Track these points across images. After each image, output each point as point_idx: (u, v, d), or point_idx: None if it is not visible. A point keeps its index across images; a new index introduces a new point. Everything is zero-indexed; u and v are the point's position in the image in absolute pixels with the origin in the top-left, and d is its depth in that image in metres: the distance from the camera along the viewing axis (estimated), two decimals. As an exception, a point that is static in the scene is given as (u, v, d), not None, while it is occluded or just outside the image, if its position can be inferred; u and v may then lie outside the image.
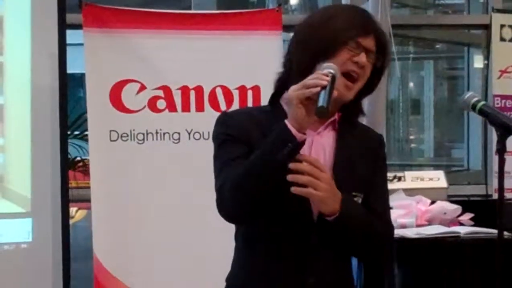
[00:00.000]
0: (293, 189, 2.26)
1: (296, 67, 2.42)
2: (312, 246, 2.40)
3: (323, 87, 2.24)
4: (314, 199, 2.31)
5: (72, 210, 8.15)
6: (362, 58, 2.38)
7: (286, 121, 2.27)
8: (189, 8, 10.66)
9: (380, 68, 2.46)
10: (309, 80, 2.27)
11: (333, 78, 2.28)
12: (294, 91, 2.27)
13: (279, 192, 2.29)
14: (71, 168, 5.54)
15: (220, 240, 2.70)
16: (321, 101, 2.22)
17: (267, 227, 2.41)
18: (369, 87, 2.46)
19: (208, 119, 2.59)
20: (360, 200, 2.44)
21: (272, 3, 12.15)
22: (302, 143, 2.28)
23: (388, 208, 2.57)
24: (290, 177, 2.25)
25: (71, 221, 4.59)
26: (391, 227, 2.54)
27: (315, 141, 2.43)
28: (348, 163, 2.44)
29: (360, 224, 2.40)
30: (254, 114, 2.50)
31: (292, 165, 2.25)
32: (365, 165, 2.47)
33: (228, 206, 2.37)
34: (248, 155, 2.34)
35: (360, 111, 2.52)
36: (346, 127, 2.49)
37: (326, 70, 2.30)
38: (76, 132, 5.42)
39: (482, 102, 2.66)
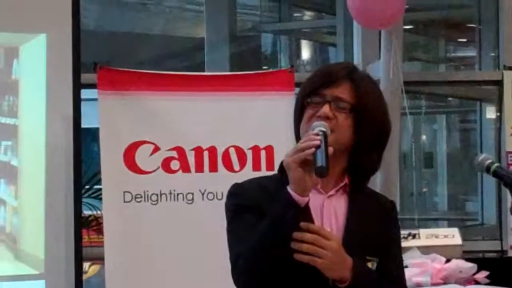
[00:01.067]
0: (296, 256, 2.27)
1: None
2: None
3: (317, 147, 2.26)
4: (318, 267, 2.30)
5: (85, 265, 8.16)
6: (323, 110, 2.39)
7: (288, 188, 2.30)
8: (202, 64, 10.75)
9: (363, 115, 2.42)
10: (302, 143, 2.30)
11: (325, 135, 2.31)
12: (289, 156, 2.30)
13: (292, 260, 2.29)
14: (84, 226, 5.56)
15: None
16: (319, 161, 2.25)
17: None
18: (366, 137, 2.42)
19: (221, 179, 2.64)
20: (375, 265, 2.43)
21: (284, 57, 12.23)
22: (307, 206, 2.30)
23: (403, 272, 2.56)
24: (293, 245, 2.27)
25: (84, 277, 4.58)
26: None
27: (326, 204, 2.44)
28: (361, 226, 2.43)
29: None
30: (265, 183, 2.50)
31: (295, 234, 2.27)
32: (378, 229, 2.46)
33: (243, 280, 2.39)
34: (259, 222, 2.36)
35: (368, 172, 2.50)
36: (357, 191, 2.48)
37: (317, 129, 2.33)
38: (88, 187, 5.43)
39: (496, 164, 2.67)
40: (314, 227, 2.31)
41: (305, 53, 13.06)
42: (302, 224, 2.29)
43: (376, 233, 2.45)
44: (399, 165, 6.19)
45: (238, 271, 2.38)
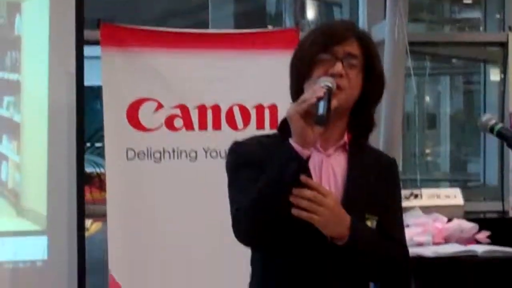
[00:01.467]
0: (294, 212, 2.27)
1: (290, 92, 2.49)
2: (329, 273, 2.39)
3: (320, 98, 2.27)
4: (315, 224, 2.30)
5: (87, 222, 8.18)
6: (337, 67, 2.38)
7: (290, 140, 2.29)
8: (206, 22, 10.68)
9: (372, 71, 2.44)
10: (306, 94, 2.30)
11: (330, 89, 2.31)
12: (292, 107, 2.30)
13: (291, 215, 2.29)
14: (87, 183, 5.57)
15: (235, 259, 2.70)
16: (320, 110, 2.25)
17: (281, 252, 2.41)
18: (370, 95, 2.45)
19: (225, 138, 2.63)
20: (374, 223, 2.43)
21: (289, 17, 12.15)
22: (308, 159, 2.30)
23: (403, 231, 2.55)
24: (292, 199, 2.26)
25: (86, 234, 4.60)
26: (406, 251, 2.53)
27: (325, 163, 2.44)
28: (360, 184, 2.43)
29: (373, 248, 2.39)
30: (265, 141, 2.51)
31: (294, 190, 2.26)
32: (378, 186, 2.46)
33: (244, 233, 2.39)
34: (259, 178, 2.35)
35: (370, 128, 2.51)
36: (357, 149, 2.48)
37: (322, 83, 2.33)
38: (91, 144, 5.42)
39: (500, 125, 2.66)
40: (313, 184, 2.30)
41: (310, 12, 12.97)
42: (302, 178, 2.28)
43: (376, 191, 2.45)
44: (402, 126, 6.18)
45: (238, 223, 2.38)
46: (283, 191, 2.26)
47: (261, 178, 2.32)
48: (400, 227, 2.54)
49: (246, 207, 2.34)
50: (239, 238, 2.40)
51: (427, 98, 13.06)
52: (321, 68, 2.39)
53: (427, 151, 12.83)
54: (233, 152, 2.50)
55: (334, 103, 2.30)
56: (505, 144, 2.68)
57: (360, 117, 2.45)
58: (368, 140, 2.53)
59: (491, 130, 2.66)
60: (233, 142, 2.53)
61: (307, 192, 2.26)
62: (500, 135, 2.65)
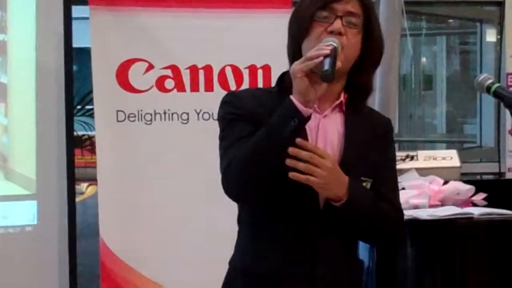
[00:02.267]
0: (291, 175, 2.23)
1: (287, 49, 2.43)
2: (319, 232, 2.37)
3: (326, 56, 2.22)
4: (313, 186, 2.27)
5: (83, 186, 8.11)
6: (336, 25, 2.33)
7: (291, 96, 2.25)
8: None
9: (371, 32, 2.39)
10: (311, 52, 2.24)
11: (335, 48, 2.26)
12: (297, 64, 2.24)
13: (285, 174, 2.25)
14: (78, 146, 5.51)
15: (228, 222, 2.64)
16: (326, 65, 2.21)
17: (272, 211, 2.37)
18: (369, 56, 2.40)
19: (217, 99, 2.52)
20: (369, 185, 2.40)
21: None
22: (309, 118, 2.25)
23: (397, 193, 2.53)
24: (288, 162, 2.22)
25: (81, 198, 4.56)
26: (400, 212, 2.51)
27: (322, 124, 2.39)
28: (357, 147, 2.39)
29: (369, 209, 2.36)
30: (260, 95, 2.47)
31: (291, 150, 2.22)
32: (374, 149, 2.43)
33: (234, 185, 2.34)
34: (254, 134, 2.30)
35: (367, 91, 2.46)
36: (354, 110, 2.44)
37: (327, 42, 2.27)
38: (81, 107, 5.36)
39: (497, 85, 2.61)
40: (309, 145, 2.26)
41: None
42: (298, 141, 2.24)
43: (371, 153, 2.42)
44: (398, 87, 6.16)
45: (228, 177, 2.33)
46: (281, 147, 2.22)
47: (258, 132, 2.27)
48: (394, 189, 2.52)
49: (239, 159, 2.28)
50: (228, 191, 2.36)
51: (423, 59, 13.01)
52: (320, 26, 2.34)
53: (424, 112, 12.81)
54: (227, 103, 2.44)
55: (338, 64, 2.24)
56: (502, 105, 2.62)
57: (357, 79, 2.41)
58: (365, 103, 2.49)
59: (488, 90, 2.61)
60: (227, 94, 2.50)
61: (304, 153, 2.23)
62: (497, 94, 2.59)
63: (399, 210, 2.49)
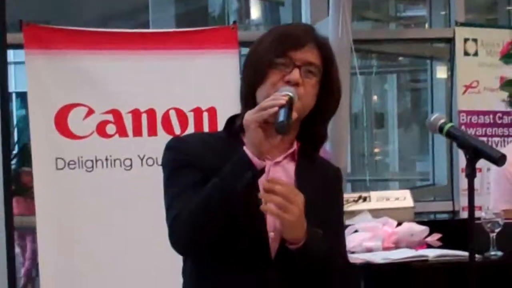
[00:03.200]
0: (263, 207, 2.15)
1: (239, 92, 2.35)
2: (271, 283, 2.27)
3: (281, 107, 2.15)
4: (284, 223, 2.18)
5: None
6: (293, 75, 2.25)
7: (244, 148, 2.17)
8: (148, 24, 10.47)
9: (329, 83, 2.31)
10: (266, 102, 2.17)
11: (291, 99, 2.19)
12: (250, 115, 2.17)
13: (234, 226, 2.19)
14: (25, 195, 5.37)
15: (172, 270, 2.53)
16: (281, 117, 2.14)
17: (219, 262, 2.27)
18: (326, 106, 2.32)
19: (161, 144, 2.41)
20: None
21: (233, 16, 12.01)
22: (262, 170, 2.19)
23: (344, 246, 2.50)
24: (262, 195, 2.15)
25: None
26: (350, 266, 2.52)
27: (272, 171, 2.30)
28: (307, 197, 2.26)
29: (323, 257, 2.28)
30: (208, 140, 2.38)
31: (266, 185, 2.14)
32: (323, 201, 2.35)
33: (181, 239, 2.25)
34: (202, 182, 2.21)
35: (321, 141, 2.40)
36: (305, 159, 2.36)
37: (284, 92, 2.20)
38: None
39: (449, 124, 2.56)
40: (284, 182, 2.19)
41: (254, 11, 12.81)
42: (271, 178, 2.18)
43: (321, 205, 2.33)
44: (350, 125, 6.15)
45: (175, 230, 2.23)
46: (233, 201, 2.16)
47: (209, 185, 2.18)
48: (342, 243, 2.48)
49: (188, 213, 2.19)
50: (174, 244, 2.25)
51: (375, 97, 13.07)
52: (277, 73, 2.26)
53: (376, 150, 12.84)
54: (172, 149, 2.34)
55: (294, 114, 2.18)
56: (453, 143, 2.56)
57: (312, 129, 2.34)
58: (318, 151, 2.42)
59: (440, 130, 2.57)
60: (172, 139, 2.39)
61: (281, 188, 2.15)
62: (450, 135, 2.55)
63: (348, 263, 2.49)
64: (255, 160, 2.15)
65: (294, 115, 2.17)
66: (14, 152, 5.50)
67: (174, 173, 2.29)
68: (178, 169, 2.28)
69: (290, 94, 2.19)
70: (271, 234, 2.25)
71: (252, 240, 2.23)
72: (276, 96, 2.18)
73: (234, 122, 2.33)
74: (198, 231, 2.20)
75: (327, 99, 2.31)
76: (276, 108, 2.14)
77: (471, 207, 2.53)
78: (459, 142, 2.52)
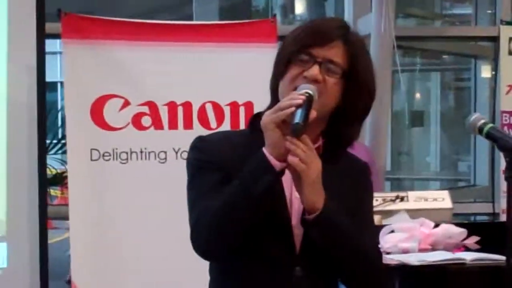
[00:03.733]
0: (289, 158, 2.11)
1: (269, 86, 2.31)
2: (297, 279, 2.24)
3: (298, 106, 2.11)
4: (304, 177, 2.14)
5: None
6: (312, 71, 2.19)
7: (263, 149, 2.14)
8: (191, 17, 10.49)
9: (355, 82, 2.24)
10: (283, 102, 2.14)
11: (310, 97, 2.14)
12: (268, 115, 2.14)
13: (259, 226, 2.16)
14: (58, 183, 5.39)
15: (204, 264, 2.49)
16: (297, 118, 2.10)
17: (246, 262, 2.25)
18: (353, 107, 2.25)
19: None
20: None
21: (277, 11, 11.97)
22: (282, 172, 2.15)
23: (375, 236, 2.50)
24: (287, 144, 2.10)
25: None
26: (379, 252, 2.38)
27: None
28: (331, 191, 2.23)
29: (345, 231, 2.21)
30: (232, 137, 2.35)
31: (290, 139, 2.10)
32: (350, 196, 2.29)
33: (203, 244, 2.23)
34: (224, 181, 2.19)
35: (346, 143, 2.33)
36: (330, 155, 2.29)
37: (302, 90, 2.16)
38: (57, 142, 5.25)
39: (490, 125, 2.53)
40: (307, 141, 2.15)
41: (299, 6, 12.73)
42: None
43: (347, 199, 2.27)
44: (390, 123, 6.09)
45: (197, 234, 2.22)
46: (254, 204, 2.14)
47: (229, 187, 2.16)
48: (373, 234, 2.44)
49: (210, 217, 2.17)
50: (197, 248, 2.24)
51: (417, 95, 12.98)
52: (297, 68, 2.21)
53: (417, 149, 12.75)
54: (196, 149, 2.32)
55: (313, 113, 2.13)
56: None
57: (337, 129, 2.28)
58: (344, 152, 2.36)
59: (480, 131, 2.54)
60: (197, 138, 2.36)
61: (303, 146, 2.12)
62: (490, 136, 2.53)
63: (378, 248, 2.39)
64: (273, 161, 2.12)
65: (313, 113, 2.13)
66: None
67: (195, 175, 2.29)
68: (200, 170, 2.27)
69: (310, 92, 2.15)
70: (294, 224, 2.22)
71: (278, 240, 2.21)
72: (293, 95, 2.14)
73: (258, 119, 2.27)
74: (219, 236, 2.18)
75: (354, 99, 2.25)
76: (293, 109, 2.10)
77: (510, 210, 2.48)
78: (499, 144, 2.48)
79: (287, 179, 2.21)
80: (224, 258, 2.26)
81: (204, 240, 2.20)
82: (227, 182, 2.18)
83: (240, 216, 2.15)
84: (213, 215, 2.16)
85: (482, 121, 2.52)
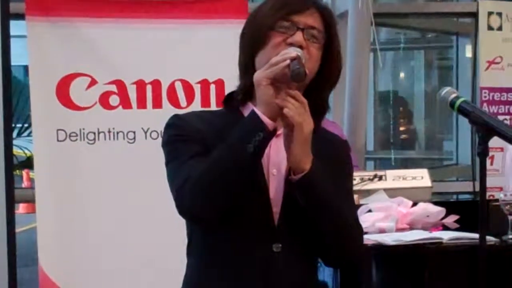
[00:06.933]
0: (285, 111, 2.09)
1: (238, 64, 2.27)
2: (275, 255, 2.22)
3: (293, 59, 2.09)
4: (298, 131, 2.10)
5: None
6: (297, 37, 2.17)
7: (255, 108, 2.11)
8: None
9: (331, 49, 2.23)
10: (275, 58, 2.11)
11: (299, 56, 2.11)
12: (261, 72, 2.11)
13: (247, 191, 2.14)
14: (28, 167, 5.31)
15: (176, 248, 2.48)
16: (295, 65, 2.08)
17: (224, 238, 2.22)
18: (328, 74, 2.25)
19: (166, 117, 2.33)
20: None
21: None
22: (274, 131, 2.12)
23: (355, 212, 2.41)
24: (278, 101, 2.09)
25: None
26: (360, 225, 2.33)
27: (274, 144, 2.20)
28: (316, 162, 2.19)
29: (329, 194, 2.18)
30: (208, 116, 2.32)
31: (290, 92, 2.09)
32: (329, 171, 2.23)
33: (191, 204, 2.15)
34: (206, 155, 2.14)
35: (323, 111, 2.29)
36: None
37: (291, 49, 2.13)
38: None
39: (461, 99, 2.44)
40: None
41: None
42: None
43: (328, 169, 2.22)
44: (374, 103, 6.04)
45: (185, 194, 2.14)
46: (245, 163, 2.10)
47: (218, 148, 2.13)
48: (353, 209, 2.39)
49: (198, 177, 2.11)
50: (183, 212, 2.18)
51: (402, 74, 12.97)
52: (279, 36, 2.18)
53: (402, 128, 12.73)
54: (174, 125, 2.27)
55: (308, 72, 2.12)
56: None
57: (313, 98, 2.22)
58: (320, 123, 2.31)
59: (452, 105, 2.45)
60: (172, 116, 2.31)
61: (294, 102, 2.10)
62: (461, 110, 2.44)
63: (358, 224, 2.33)
64: (266, 119, 2.09)
65: (308, 72, 2.11)
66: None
67: (175, 148, 2.23)
68: (179, 142, 2.22)
69: (298, 52, 2.11)
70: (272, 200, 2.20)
71: (255, 210, 2.18)
72: (284, 52, 2.11)
73: (232, 98, 2.27)
74: (208, 195, 2.12)
75: (329, 66, 2.25)
76: (288, 61, 2.08)
77: (483, 187, 2.41)
78: (471, 118, 2.40)
79: (265, 154, 2.18)
80: (211, 221, 2.19)
81: (190, 200, 2.13)
82: (208, 155, 2.13)
83: (231, 175, 2.10)
84: (203, 174, 2.10)
85: (454, 95, 2.45)
